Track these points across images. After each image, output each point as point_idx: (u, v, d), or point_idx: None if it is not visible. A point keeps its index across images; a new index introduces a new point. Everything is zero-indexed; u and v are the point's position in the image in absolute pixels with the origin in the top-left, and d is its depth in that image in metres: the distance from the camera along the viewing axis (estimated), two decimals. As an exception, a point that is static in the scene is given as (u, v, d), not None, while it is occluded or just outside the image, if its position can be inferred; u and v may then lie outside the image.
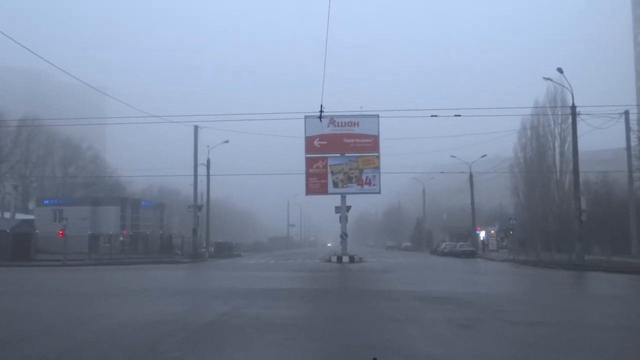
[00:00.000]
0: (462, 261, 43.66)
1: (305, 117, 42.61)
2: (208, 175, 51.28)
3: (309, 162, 44.62)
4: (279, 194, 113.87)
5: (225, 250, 56.03)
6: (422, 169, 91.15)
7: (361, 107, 43.74)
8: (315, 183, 44.52)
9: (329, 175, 44.25)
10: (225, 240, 63.46)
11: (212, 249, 53.79)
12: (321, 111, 25.10)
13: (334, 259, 42.67)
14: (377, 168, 44.43)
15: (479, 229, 62.63)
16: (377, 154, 44.37)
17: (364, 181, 44.40)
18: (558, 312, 13.66)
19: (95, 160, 73.55)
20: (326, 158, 44.51)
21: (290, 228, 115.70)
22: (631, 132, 39.21)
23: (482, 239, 64.82)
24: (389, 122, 47.59)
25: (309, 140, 43.81)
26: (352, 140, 43.99)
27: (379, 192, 45.46)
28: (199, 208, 50.54)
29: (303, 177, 44.90)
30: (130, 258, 43.14)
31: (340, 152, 44.56)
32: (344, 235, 44.87)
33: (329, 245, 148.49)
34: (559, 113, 50.79)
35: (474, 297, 16.72)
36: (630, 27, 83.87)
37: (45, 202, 54.97)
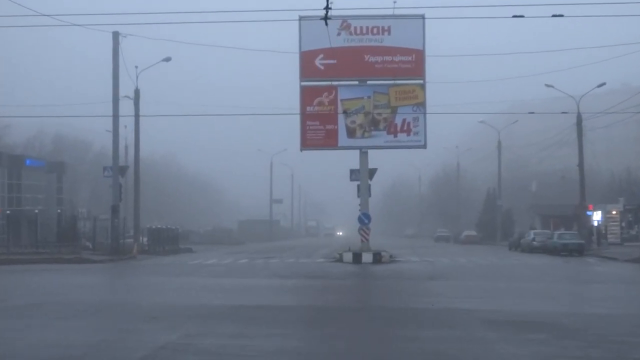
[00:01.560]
0: (562, 262, 44.10)
1: (300, 18, 43.30)
2: (137, 115, 50.49)
3: (307, 96, 44.71)
4: (256, 149, 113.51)
5: (167, 242, 56.40)
6: (496, 107, 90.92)
7: (395, 2, 43.63)
8: (317, 130, 44.83)
9: (340, 117, 44.40)
10: (166, 225, 63.79)
11: (145, 240, 53.92)
12: (327, 7, 24.90)
13: (348, 257, 43.16)
14: (422, 105, 44.32)
15: (590, 207, 62.45)
16: (421, 81, 44.33)
17: (398, 127, 44.53)
18: None
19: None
20: (335, 88, 44.59)
21: (275, 206, 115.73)
22: None
23: (596, 224, 64.81)
24: (440, 27, 47.48)
25: (306, 58, 44.13)
26: (379, 58, 44.22)
27: (424, 146, 45.36)
28: (123, 171, 50.00)
29: (296, 122, 45.20)
30: (7, 254, 43.20)
31: (358, 78, 44.65)
32: (364, 219, 44.91)
33: (340, 234, 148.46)
34: None
35: (581, 320, 16.98)
36: None
37: None
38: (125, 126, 55.07)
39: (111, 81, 46.71)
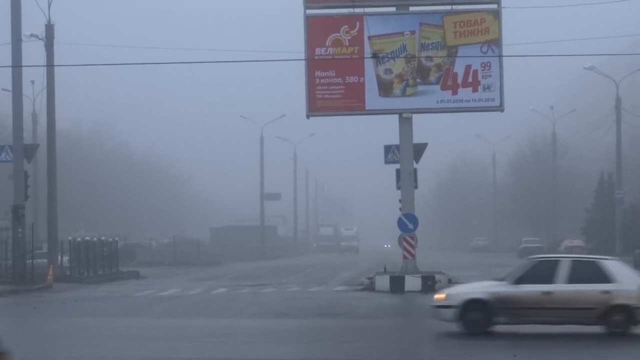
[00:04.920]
0: None
1: None
2: (50, 65, 46.39)
3: (316, 31, 39.84)
4: (239, 117, 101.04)
5: (100, 263, 51.58)
6: (613, 45, 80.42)
7: None
8: (332, 85, 40.13)
9: (369, 64, 39.55)
10: (100, 236, 57.86)
11: (66, 260, 49.23)
12: None
13: (384, 282, 38.75)
14: (496, 44, 39.01)
15: None
16: (494, 5, 39.05)
17: (459, 79, 39.67)
18: None
19: None
20: (360, 18, 39.43)
21: (269, 204, 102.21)
22: None
23: None
24: None
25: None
26: (428, -31, 40.99)
27: (501, 108, 40.00)
28: (30, 153, 47.63)
29: (299, 74, 41.12)
30: None
31: (397, 1, 39.95)
32: (407, 223, 40.15)
33: (386, 247, 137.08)
34: None
35: None
36: None
37: None
38: (33, 81, 52.21)
39: (9, 11, 41.11)
